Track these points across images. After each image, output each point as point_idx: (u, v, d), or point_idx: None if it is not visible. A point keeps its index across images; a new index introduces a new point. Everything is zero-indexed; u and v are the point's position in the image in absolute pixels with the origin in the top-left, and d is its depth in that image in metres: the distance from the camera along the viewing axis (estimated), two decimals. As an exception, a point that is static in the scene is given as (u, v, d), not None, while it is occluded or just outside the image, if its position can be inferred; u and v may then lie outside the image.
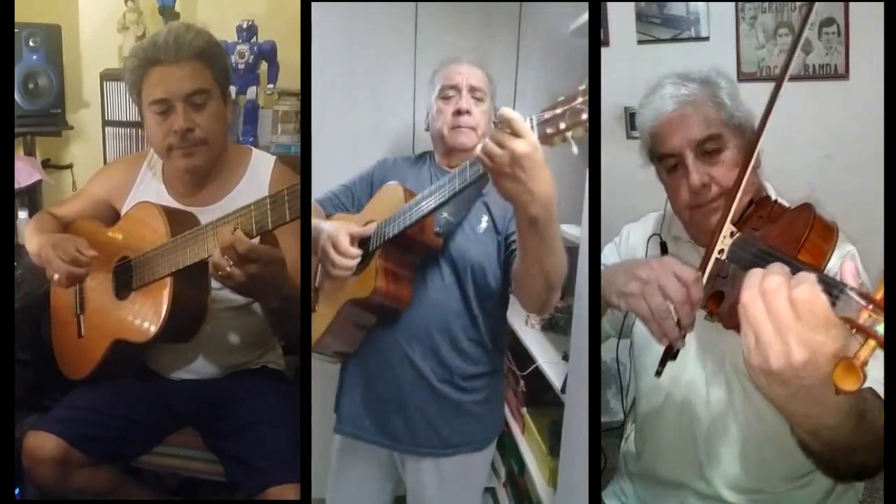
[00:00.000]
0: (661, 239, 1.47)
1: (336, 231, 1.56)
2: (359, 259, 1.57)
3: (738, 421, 1.34)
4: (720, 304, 1.12)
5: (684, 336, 1.13)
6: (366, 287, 1.57)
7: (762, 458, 1.33)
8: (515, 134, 1.13)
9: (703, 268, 1.14)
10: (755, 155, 1.13)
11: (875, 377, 0.91)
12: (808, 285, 0.72)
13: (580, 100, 1.09)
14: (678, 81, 1.32)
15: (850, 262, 0.76)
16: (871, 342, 0.69)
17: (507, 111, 1.14)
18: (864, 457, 0.95)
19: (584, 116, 1.08)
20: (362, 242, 1.63)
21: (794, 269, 0.76)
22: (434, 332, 1.66)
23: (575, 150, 1.11)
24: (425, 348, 1.66)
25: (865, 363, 0.69)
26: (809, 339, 0.72)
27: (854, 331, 0.71)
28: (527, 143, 1.12)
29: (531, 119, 1.15)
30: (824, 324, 0.71)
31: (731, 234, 1.12)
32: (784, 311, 0.73)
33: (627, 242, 1.61)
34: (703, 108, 1.28)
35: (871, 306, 0.70)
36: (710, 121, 1.28)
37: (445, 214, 1.60)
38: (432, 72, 1.88)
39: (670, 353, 1.18)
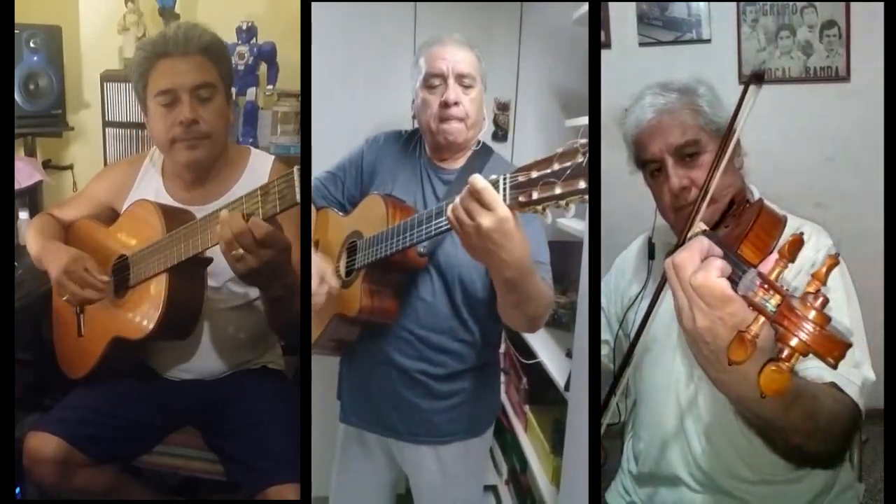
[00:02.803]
0: (651, 242, 1.51)
1: (313, 270, 1.56)
2: (323, 295, 1.57)
3: (727, 414, 1.34)
4: None
5: None
6: (351, 306, 1.57)
7: (752, 448, 1.34)
8: (484, 206, 1.09)
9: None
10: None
11: (841, 373, 0.95)
12: (703, 273, 0.82)
13: (555, 166, 1.03)
14: (658, 91, 1.37)
15: (775, 254, 0.82)
16: (761, 318, 0.76)
17: (477, 180, 1.09)
18: (801, 440, 0.99)
19: (558, 190, 1.02)
20: (351, 251, 1.63)
21: (731, 262, 0.83)
22: (422, 336, 1.65)
23: (549, 219, 1.08)
24: (413, 351, 1.65)
25: (756, 336, 0.76)
26: (709, 313, 0.82)
27: (750, 308, 0.78)
28: (494, 218, 1.08)
29: (504, 180, 1.10)
30: (721, 303, 0.80)
31: (704, 232, 1.15)
32: (688, 285, 0.83)
33: (618, 276, 1.65)
34: (680, 115, 1.33)
35: (765, 285, 0.77)
36: (686, 127, 1.32)
37: None
38: (416, 53, 1.75)
39: None
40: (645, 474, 1.53)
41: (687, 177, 1.31)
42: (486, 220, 1.09)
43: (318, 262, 1.61)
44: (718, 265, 0.82)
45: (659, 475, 1.49)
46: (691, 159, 1.32)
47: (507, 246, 1.13)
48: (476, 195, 1.09)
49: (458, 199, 1.14)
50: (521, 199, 1.07)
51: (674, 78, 1.40)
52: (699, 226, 1.13)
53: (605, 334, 1.65)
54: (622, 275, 1.64)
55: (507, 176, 1.10)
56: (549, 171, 1.04)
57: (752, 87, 1.12)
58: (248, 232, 1.29)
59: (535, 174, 1.06)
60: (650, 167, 1.37)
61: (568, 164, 1.01)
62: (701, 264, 0.83)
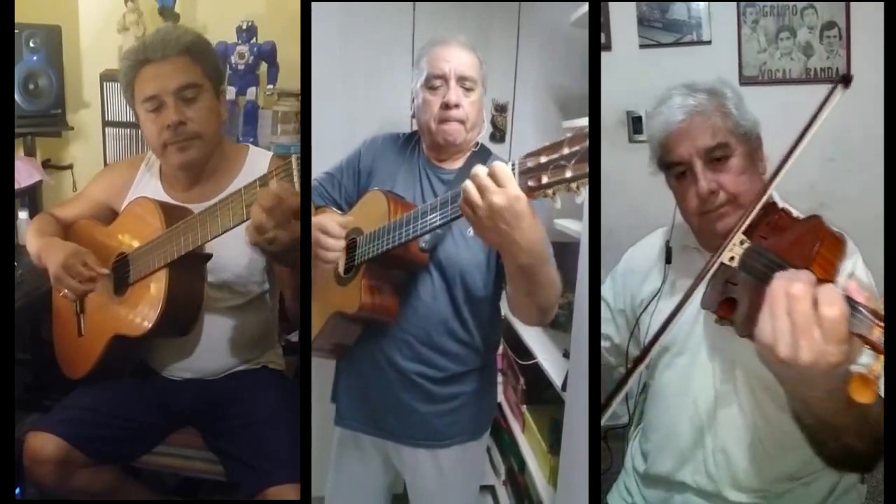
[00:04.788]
0: (668, 246, 1.49)
1: (324, 220, 1.54)
2: (344, 243, 1.55)
3: (745, 422, 1.35)
4: (732, 310, 1.17)
5: None
6: (352, 303, 1.56)
7: (768, 457, 1.34)
8: (496, 183, 1.09)
9: (706, 270, 1.18)
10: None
11: None
12: (839, 307, 0.79)
13: (565, 150, 1.03)
14: (686, 92, 1.34)
15: (853, 282, 0.84)
16: (882, 357, 0.76)
17: (492, 163, 1.10)
18: (850, 439, 1.00)
19: (569, 174, 1.02)
20: (350, 249, 1.63)
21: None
22: (422, 337, 1.64)
23: (558, 204, 1.07)
24: (412, 352, 1.65)
25: (879, 377, 0.75)
26: (820, 349, 0.79)
27: (867, 347, 0.77)
28: (505, 196, 1.08)
29: (513, 164, 1.10)
30: (839, 340, 0.79)
31: (742, 243, 1.15)
32: (803, 317, 0.81)
33: (629, 273, 1.61)
34: (711, 117, 1.31)
35: (882, 323, 0.76)
36: (717, 129, 1.30)
37: None
38: (418, 52, 1.75)
39: None
40: (652, 476, 1.52)
41: (715, 180, 1.29)
42: (497, 198, 1.08)
43: (327, 218, 1.56)
44: (843, 298, 0.80)
45: (665, 479, 1.48)
46: (720, 163, 1.30)
47: (520, 227, 1.12)
48: (490, 173, 1.09)
49: (467, 182, 1.13)
50: (530, 183, 1.07)
51: (697, 80, 1.38)
52: (738, 237, 1.14)
53: (608, 328, 1.62)
54: (632, 271, 1.61)
55: (517, 161, 1.10)
56: (558, 155, 1.04)
57: (839, 88, 1.11)
58: (278, 203, 1.24)
59: (544, 159, 1.06)
60: (676, 169, 1.35)
61: (577, 147, 1.02)
62: (824, 295, 0.81)
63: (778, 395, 1.30)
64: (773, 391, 1.30)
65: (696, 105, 1.32)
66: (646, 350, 1.27)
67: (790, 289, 0.84)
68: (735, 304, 1.16)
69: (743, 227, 1.16)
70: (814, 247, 1.02)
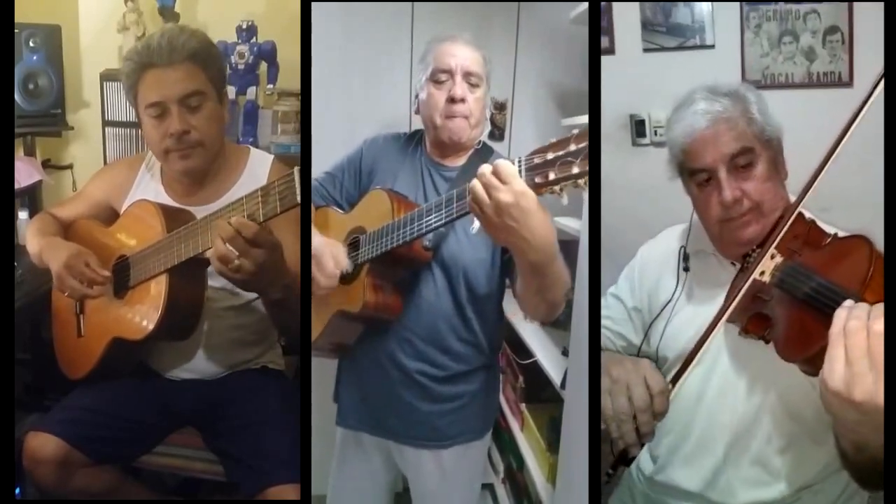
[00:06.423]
0: (685, 251, 1.47)
1: (320, 252, 1.53)
2: (338, 278, 1.55)
3: (763, 434, 1.34)
4: (763, 326, 1.17)
5: (642, 445, 1.21)
6: (355, 302, 1.56)
7: (784, 472, 1.34)
8: (501, 181, 1.09)
9: (738, 286, 1.18)
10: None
11: None
12: None
13: (572, 147, 1.04)
14: (710, 97, 1.31)
15: None
16: None
17: (496, 161, 1.10)
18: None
19: (576, 170, 1.03)
20: (353, 248, 1.62)
21: None
22: (424, 335, 1.64)
23: (565, 201, 1.08)
24: (415, 350, 1.65)
25: None
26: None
27: None
28: (511, 192, 1.09)
29: (519, 160, 1.10)
30: None
31: (772, 257, 1.14)
32: (881, 355, 0.82)
33: (644, 272, 1.58)
34: (737, 124, 1.28)
35: None
36: (743, 136, 1.28)
37: None
38: (424, 47, 1.74)
39: (625, 458, 1.23)
40: (659, 482, 1.50)
41: (739, 188, 1.27)
42: (503, 196, 1.09)
43: (327, 245, 1.56)
44: None
45: (675, 485, 1.45)
46: (744, 170, 1.27)
47: (529, 224, 1.12)
48: (493, 171, 1.10)
49: (474, 180, 1.13)
50: (537, 180, 1.08)
51: (720, 83, 1.35)
52: (771, 251, 1.14)
53: (625, 328, 1.58)
54: (647, 270, 1.57)
55: (523, 158, 1.10)
56: (564, 151, 1.05)
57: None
58: (237, 234, 1.29)
59: (550, 155, 1.06)
60: (698, 176, 1.32)
61: (584, 144, 1.03)
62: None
63: (797, 407, 1.30)
64: (795, 408, 1.30)
65: (722, 111, 1.29)
66: (686, 364, 1.25)
67: (874, 325, 0.84)
68: (766, 320, 1.16)
69: (776, 243, 1.16)
70: (867, 271, 1.01)
